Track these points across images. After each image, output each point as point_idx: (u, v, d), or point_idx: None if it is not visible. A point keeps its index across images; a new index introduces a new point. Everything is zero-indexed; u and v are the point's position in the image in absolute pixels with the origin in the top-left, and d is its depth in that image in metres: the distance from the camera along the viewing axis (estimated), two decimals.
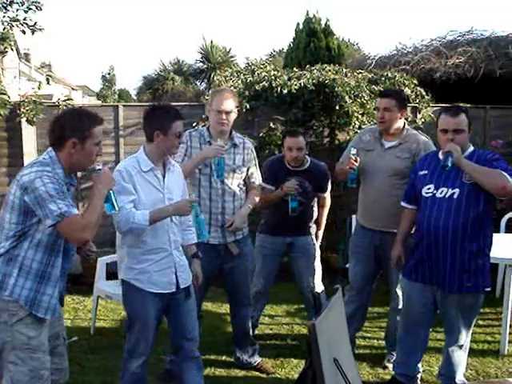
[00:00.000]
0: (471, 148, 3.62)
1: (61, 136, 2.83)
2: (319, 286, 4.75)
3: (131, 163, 3.36)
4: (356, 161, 4.05)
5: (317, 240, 4.79)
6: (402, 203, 3.87)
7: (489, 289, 3.65)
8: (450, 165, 3.42)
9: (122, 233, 3.32)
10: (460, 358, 3.74)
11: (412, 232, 3.86)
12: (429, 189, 3.60)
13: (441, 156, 3.57)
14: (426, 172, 3.67)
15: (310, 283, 4.69)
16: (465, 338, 3.68)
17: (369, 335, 5.04)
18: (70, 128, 2.82)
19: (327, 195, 4.81)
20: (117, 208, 2.97)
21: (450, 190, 3.51)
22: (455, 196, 3.48)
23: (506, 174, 3.37)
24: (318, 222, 4.83)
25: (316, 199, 4.76)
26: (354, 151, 4.09)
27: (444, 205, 3.50)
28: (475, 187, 3.45)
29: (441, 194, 3.54)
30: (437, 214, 3.51)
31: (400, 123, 4.18)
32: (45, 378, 2.87)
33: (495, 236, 5.20)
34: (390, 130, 4.16)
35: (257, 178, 4.34)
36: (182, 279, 3.44)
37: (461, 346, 3.70)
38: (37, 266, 2.82)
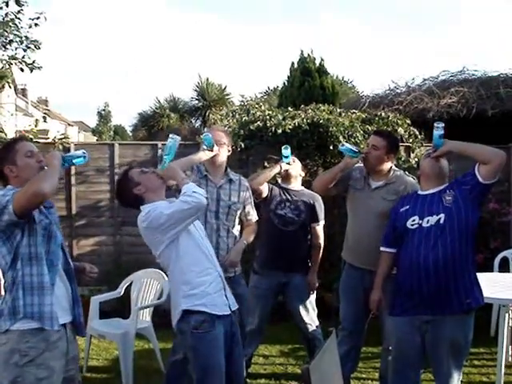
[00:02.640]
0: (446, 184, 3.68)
1: (0, 173, 2.99)
2: (315, 323, 4.79)
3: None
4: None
5: (311, 285, 4.81)
6: (382, 248, 3.86)
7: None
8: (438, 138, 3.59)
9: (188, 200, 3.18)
10: None
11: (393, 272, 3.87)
12: (413, 220, 3.61)
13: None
14: (408, 207, 3.69)
15: (307, 322, 4.74)
16: (456, 382, 3.63)
17: (363, 376, 5.00)
18: None
19: (320, 230, 4.84)
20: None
21: (435, 216, 3.54)
22: (441, 221, 3.51)
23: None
24: (311, 263, 4.85)
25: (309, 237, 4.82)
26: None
27: (431, 233, 3.52)
28: (458, 208, 3.50)
29: (427, 223, 3.55)
30: (426, 243, 3.52)
31: (386, 166, 4.22)
32: None
33: (489, 276, 5.27)
34: (372, 168, 4.21)
35: (253, 215, 4.37)
36: (231, 301, 3.41)
37: None
38: (37, 279, 2.85)
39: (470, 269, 3.59)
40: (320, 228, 4.85)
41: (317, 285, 4.84)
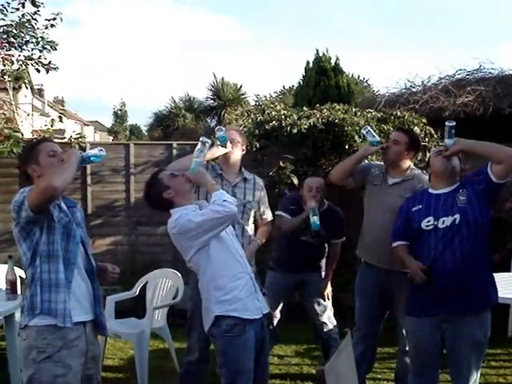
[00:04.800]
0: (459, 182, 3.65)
1: (24, 172, 3.08)
2: (331, 322, 4.82)
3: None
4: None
5: (322, 292, 4.83)
6: (395, 243, 3.77)
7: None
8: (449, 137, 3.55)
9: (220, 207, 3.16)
10: None
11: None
12: (428, 221, 3.56)
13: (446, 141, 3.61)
14: (420, 206, 3.65)
15: (323, 321, 4.77)
16: (474, 381, 3.59)
17: (379, 376, 4.98)
18: (23, 163, 3.11)
19: (339, 246, 4.88)
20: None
21: (450, 217, 3.50)
22: (457, 222, 3.48)
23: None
24: (325, 272, 4.88)
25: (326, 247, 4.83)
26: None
27: (448, 234, 3.49)
28: (472, 207, 3.47)
29: (443, 224, 3.51)
30: (443, 244, 3.49)
31: (405, 162, 4.22)
32: None
33: (506, 275, 5.22)
34: (391, 162, 4.22)
35: (268, 215, 4.38)
36: (263, 304, 3.37)
37: None
38: (53, 276, 2.89)
39: (486, 267, 3.58)
40: (339, 244, 4.88)
41: (328, 292, 4.86)
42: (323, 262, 4.88)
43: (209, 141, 3.55)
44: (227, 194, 3.32)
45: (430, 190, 3.71)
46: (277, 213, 4.74)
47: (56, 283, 2.89)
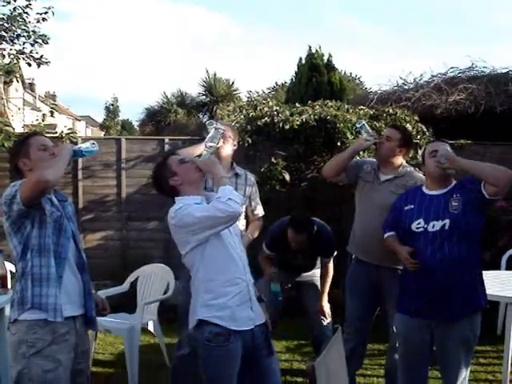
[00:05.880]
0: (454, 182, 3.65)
1: (15, 167, 3.07)
2: (329, 316, 4.83)
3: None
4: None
5: (322, 311, 4.81)
6: (386, 234, 3.79)
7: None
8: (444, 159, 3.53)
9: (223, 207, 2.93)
10: None
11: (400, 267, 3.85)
12: (419, 223, 3.57)
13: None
14: (412, 206, 3.65)
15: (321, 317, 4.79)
16: (463, 378, 3.61)
17: (369, 373, 5.00)
18: (14, 157, 3.11)
19: (331, 263, 4.80)
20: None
21: (440, 221, 3.49)
22: (446, 227, 3.47)
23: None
24: (321, 289, 4.84)
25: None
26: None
27: (437, 238, 3.49)
28: (464, 214, 3.47)
29: (432, 228, 3.51)
30: (432, 248, 3.49)
31: (397, 159, 4.23)
32: None
33: (496, 273, 5.25)
34: (383, 159, 4.24)
35: (259, 211, 4.39)
36: (258, 314, 3.13)
37: None
38: (44, 270, 2.88)
39: (476, 272, 3.58)
40: (331, 261, 4.79)
41: (326, 310, 4.83)
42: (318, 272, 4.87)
43: (222, 127, 3.38)
44: (234, 191, 3.08)
45: (424, 190, 3.69)
46: (263, 245, 4.75)
47: (47, 277, 2.88)
